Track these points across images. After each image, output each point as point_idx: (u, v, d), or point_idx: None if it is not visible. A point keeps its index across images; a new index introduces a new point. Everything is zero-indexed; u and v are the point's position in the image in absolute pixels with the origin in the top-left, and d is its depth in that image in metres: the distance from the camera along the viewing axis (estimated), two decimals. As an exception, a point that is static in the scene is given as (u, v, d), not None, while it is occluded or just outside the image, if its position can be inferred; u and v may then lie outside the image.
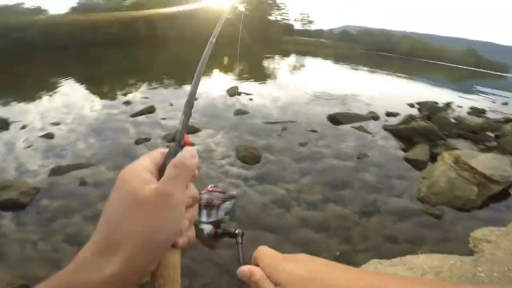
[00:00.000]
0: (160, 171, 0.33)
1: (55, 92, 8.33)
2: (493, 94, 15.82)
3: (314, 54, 31.51)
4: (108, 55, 18.13)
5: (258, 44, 33.80)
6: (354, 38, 61.28)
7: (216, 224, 0.48)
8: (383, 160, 5.14)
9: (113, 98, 7.92)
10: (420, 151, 5.39)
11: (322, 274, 0.30)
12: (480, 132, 6.75)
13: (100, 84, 9.82)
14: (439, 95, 11.90)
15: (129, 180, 0.30)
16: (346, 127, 6.59)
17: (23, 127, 5.43)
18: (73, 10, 22.05)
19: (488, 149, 5.79)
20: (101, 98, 7.83)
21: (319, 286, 0.29)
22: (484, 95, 14.96)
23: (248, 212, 3.35)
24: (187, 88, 9.30)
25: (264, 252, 0.37)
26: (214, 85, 9.48)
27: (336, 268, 0.32)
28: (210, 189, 0.54)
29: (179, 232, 0.32)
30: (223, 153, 4.84)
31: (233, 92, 8.61)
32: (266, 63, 19.12)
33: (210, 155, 4.70)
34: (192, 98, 0.40)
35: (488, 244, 2.90)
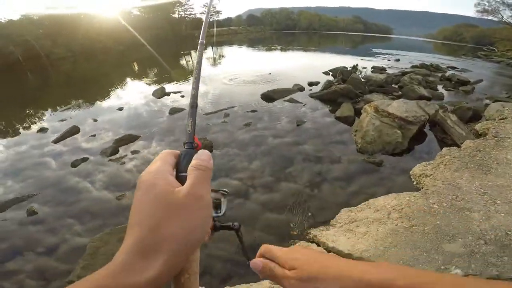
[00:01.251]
0: (176, 171, 0.35)
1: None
2: (386, 54, 18.82)
3: (230, 43, 31.70)
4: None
5: (171, 43, 32.01)
6: (261, 21, 63.68)
7: (214, 218, 0.49)
8: (319, 121, 5.72)
9: (17, 133, 6.24)
10: (346, 109, 6.14)
11: (320, 256, 0.39)
12: (386, 86, 8.08)
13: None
14: (345, 61, 13.61)
15: (157, 184, 0.31)
16: (280, 102, 7.02)
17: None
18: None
19: (397, 98, 6.98)
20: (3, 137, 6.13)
21: (322, 263, 0.37)
22: (379, 56, 17.75)
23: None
24: (101, 103, 8.03)
25: (270, 248, 0.42)
26: (136, 93, 8.76)
27: (326, 254, 0.40)
28: None
29: (206, 233, 0.34)
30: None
31: (160, 93, 8.07)
32: (184, 60, 18.34)
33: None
34: (194, 100, 0.41)
35: (427, 178, 3.16)
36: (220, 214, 0.49)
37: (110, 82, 11.10)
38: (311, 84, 8.73)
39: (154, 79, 11.27)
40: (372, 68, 11.55)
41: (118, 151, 4.79)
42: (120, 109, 7.07)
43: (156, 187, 0.31)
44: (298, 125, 5.52)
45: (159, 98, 7.82)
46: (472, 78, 9.84)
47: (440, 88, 8.52)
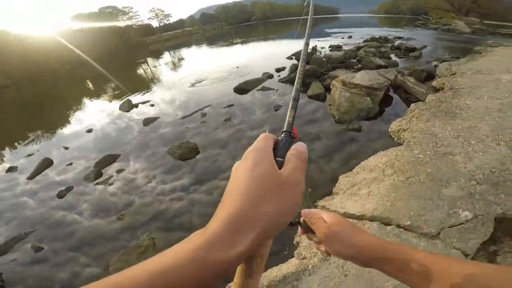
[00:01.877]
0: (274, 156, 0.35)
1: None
2: (339, 32, 19.69)
3: (187, 44, 30.87)
4: None
5: (123, 53, 30.22)
6: (216, 18, 62.64)
7: None
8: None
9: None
10: (316, 87, 6.46)
11: (350, 225, 0.52)
12: (346, 61, 8.56)
13: None
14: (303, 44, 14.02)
15: (263, 162, 0.32)
16: (253, 92, 7.15)
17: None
18: None
19: (358, 70, 7.44)
20: None
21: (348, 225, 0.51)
22: (333, 35, 18.49)
23: (206, 213, 3.21)
24: (65, 129, 7.38)
25: (314, 210, 0.56)
26: (101, 111, 8.22)
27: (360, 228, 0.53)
28: None
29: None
30: (158, 163, 4.48)
31: (127, 107, 7.71)
32: (142, 69, 17.56)
33: (135, 184, 4.12)
34: (297, 94, 0.43)
35: (405, 132, 3.38)
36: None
37: (66, 105, 10.33)
38: (278, 70, 8.98)
39: (116, 93, 10.66)
40: (329, 47, 12.13)
41: (102, 173, 4.55)
42: (89, 131, 6.61)
43: (261, 165, 0.31)
44: (276, 110, 5.71)
45: (128, 111, 7.48)
46: (418, 45, 10.76)
47: (393, 56, 9.25)
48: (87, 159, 5.18)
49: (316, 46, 11.47)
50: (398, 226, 1.97)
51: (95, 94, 11.50)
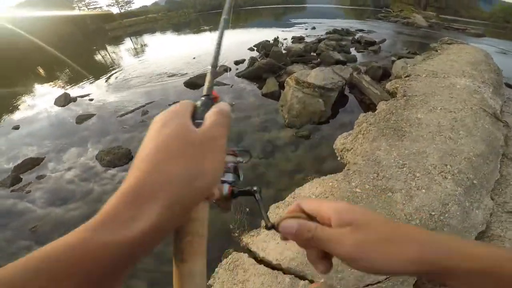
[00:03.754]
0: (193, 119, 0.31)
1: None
2: (304, 23, 19.49)
3: (151, 31, 28.92)
4: None
5: (79, 40, 27.77)
6: (183, 4, 59.93)
7: (232, 183, 0.43)
8: (246, 102, 5.59)
9: None
10: (271, 84, 6.14)
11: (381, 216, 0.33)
12: (306, 54, 8.32)
13: None
14: (268, 34, 13.63)
15: (171, 122, 0.28)
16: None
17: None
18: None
19: (316, 65, 7.23)
20: None
21: (391, 222, 0.31)
22: (298, 25, 18.32)
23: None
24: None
25: (308, 202, 0.35)
26: (35, 104, 7.37)
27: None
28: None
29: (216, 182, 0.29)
30: (81, 169, 3.93)
31: (64, 101, 6.86)
32: (98, 57, 16.06)
33: (57, 194, 3.67)
34: (215, 61, 0.43)
35: (348, 152, 3.01)
36: (239, 180, 0.44)
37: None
38: (237, 63, 8.51)
39: (60, 83, 9.55)
40: (292, 38, 11.84)
41: (21, 179, 4.04)
42: (16, 127, 5.85)
43: (169, 125, 0.27)
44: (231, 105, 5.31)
45: (63, 106, 6.67)
46: (378, 38, 10.90)
47: (352, 50, 9.22)
48: (7, 161, 4.54)
49: (278, 37, 11.12)
50: (311, 281, 1.69)
51: (40, 82, 10.22)
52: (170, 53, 11.87)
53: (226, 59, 8.87)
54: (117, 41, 23.44)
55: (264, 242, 2.08)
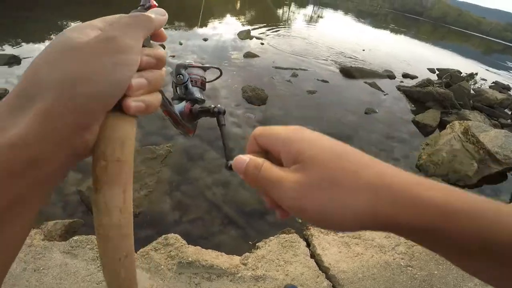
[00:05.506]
0: None
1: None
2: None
3: (335, 7, 28.75)
4: None
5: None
6: (383, -5, 55.60)
7: (192, 101, 0.39)
8: (391, 119, 4.97)
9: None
10: (430, 116, 5.17)
11: (338, 145, 0.26)
12: (497, 108, 6.41)
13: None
14: (465, 65, 11.07)
15: (65, 34, 0.23)
16: (359, 82, 6.28)
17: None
18: None
19: (501, 126, 5.53)
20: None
21: (342, 156, 0.24)
22: (513, 72, 13.95)
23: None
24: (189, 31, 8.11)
25: (266, 130, 0.28)
26: (226, 29, 8.89)
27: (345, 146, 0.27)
28: (188, 64, 0.43)
29: (126, 89, 0.23)
30: (229, 93, 4.67)
31: (244, 35, 8.10)
32: (281, 10, 17.57)
33: (215, 94, 4.48)
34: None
35: None
36: (187, 97, 0.40)
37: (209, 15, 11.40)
38: (406, 76, 7.51)
39: (245, 21, 11.18)
40: (493, 83, 9.19)
41: None
42: (205, 39, 7.35)
43: (60, 37, 0.23)
44: (366, 113, 4.92)
45: (242, 39, 7.86)
46: None
47: None
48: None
49: (476, 73, 8.86)
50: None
51: (235, 15, 12.28)
52: (343, 36, 11.60)
53: (395, 66, 7.94)
54: (302, 3, 24.67)
55: (328, 243, 2.08)
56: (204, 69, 0.42)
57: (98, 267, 1.64)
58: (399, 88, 6.38)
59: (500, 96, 7.06)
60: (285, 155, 0.25)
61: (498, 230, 0.20)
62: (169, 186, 2.60)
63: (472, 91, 6.78)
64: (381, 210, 0.21)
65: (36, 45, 5.94)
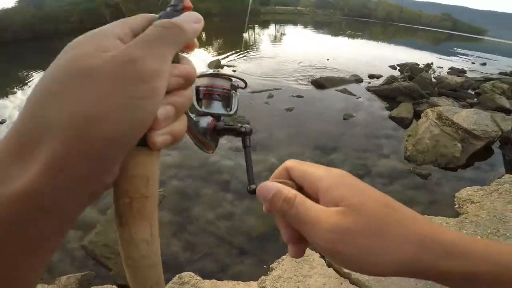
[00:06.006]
0: None
1: (27, 85, 7.23)
2: (472, 56, 16.05)
3: (294, 23, 30.52)
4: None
5: (235, 17, 32.31)
6: (332, 5, 60.06)
7: (216, 117, 0.35)
8: (369, 119, 5.22)
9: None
10: (404, 109, 5.48)
11: (381, 194, 0.27)
12: (460, 90, 6.93)
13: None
14: (419, 57, 11.98)
15: (78, 47, 0.19)
16: (331, 91, 6.57)
17: (2, 122, 4.91)
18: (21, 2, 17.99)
19: (470, 106, 5.94)
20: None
21: (389, 204, 0.26)
22: (463, 57, 15.18)
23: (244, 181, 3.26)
24: None
25: (299, 165, 0.27)
26: (195, 61, 8.53)
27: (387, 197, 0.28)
28: (213, 73, 0.39)
29: (152, 123, 0.19)
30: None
31: (215, 65, 8.28)
32: (246, 35, 18.37)
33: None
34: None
35: (472, 204, 2.79)
36: (230, 113, 0.37)
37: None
38: (371, 76, 7.98)
39: (212, 50, 11.51)
40: (449, 69, 10.01)
41: None
42: None
43: (71, 52, 0.19)
44: (344, 119, 5.14)
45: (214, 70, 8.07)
46: None
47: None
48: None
49: (432, 63, 9.62)
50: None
51: (202, 46, 12.65)
52: (306, 47, 12.23)
53: (360, 69, 8.44)
54: (265, 25, 26.00)
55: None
56: (229, 78, 0.38)
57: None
58: (368, 89, 6.76)
59: (459, 79, 7.67)
60: (325, 196, 0.25)
61: None
62: (173, 228, 2.54)
63: (433, 80, 7.30)
64: (427, 260, 0.22)
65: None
